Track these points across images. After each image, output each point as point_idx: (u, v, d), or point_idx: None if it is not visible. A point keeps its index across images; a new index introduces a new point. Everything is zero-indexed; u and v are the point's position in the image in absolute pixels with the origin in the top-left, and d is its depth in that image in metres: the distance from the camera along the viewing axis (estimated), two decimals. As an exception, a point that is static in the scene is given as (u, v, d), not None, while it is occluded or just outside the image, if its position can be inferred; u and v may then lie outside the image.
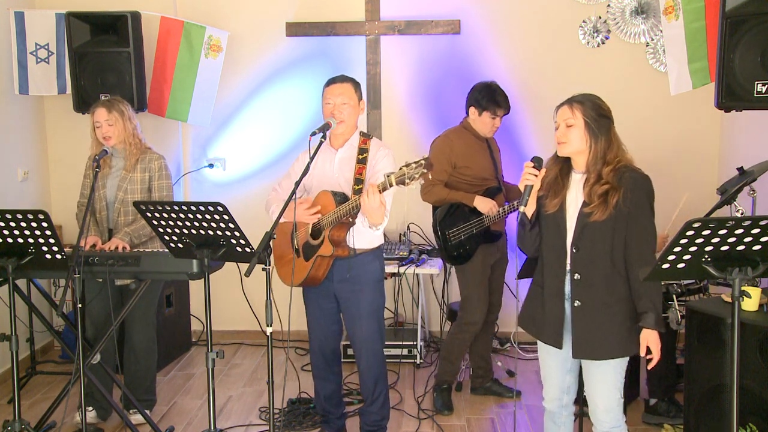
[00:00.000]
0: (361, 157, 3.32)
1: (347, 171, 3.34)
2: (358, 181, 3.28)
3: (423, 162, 2.79)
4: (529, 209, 2.70)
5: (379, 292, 3.45)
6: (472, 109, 3.99)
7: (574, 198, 2.66)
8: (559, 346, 2.71)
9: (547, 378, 2.85)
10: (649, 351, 2.59)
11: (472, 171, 3.96)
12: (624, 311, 2.61)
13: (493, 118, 3.95)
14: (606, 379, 2.66)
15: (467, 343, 4.12)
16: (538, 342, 2.82)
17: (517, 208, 2.70)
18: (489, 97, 3.92)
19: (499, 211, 3.93)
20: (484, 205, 3.91)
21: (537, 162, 2.65)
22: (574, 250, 2.63)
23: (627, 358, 2.67)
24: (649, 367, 2.66)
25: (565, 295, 2.68)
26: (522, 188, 2.66)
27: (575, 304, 2.64)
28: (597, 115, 2.60)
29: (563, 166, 2.71)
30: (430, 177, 2.84)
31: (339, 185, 3.33)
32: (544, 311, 2.74)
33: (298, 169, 3.41)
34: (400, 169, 2.85)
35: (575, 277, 2.63)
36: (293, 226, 3.35)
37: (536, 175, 2.63)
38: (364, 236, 3.28)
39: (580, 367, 2.79)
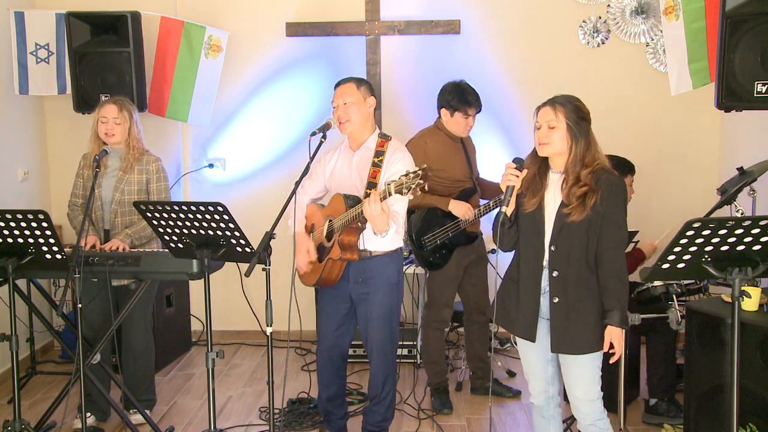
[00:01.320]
0: (377, 160, 3.30)
1: (363, 173, 3.33)
2: (371, 185, 3.26)
3: (420, 172, 2.80)
4: (509, 208, 2.75)
5: (393, 295, 3.41)
6: (443, 111, 3.95)
7: (552, 197, 2.72)
8: (532, 339, 2.77)
9: (530, 372, 2.90)
10: (611, 347, 2.67)
11: (447, 173, 3.93)
12: (597, 307, 2.68)
13: (465, 117, 3.92)
14: (584, 372, 2.73)
15: (441, 340, 4.14)
16: (517, 339, 2.87)
17: (499, 206, 2.74)
18: (459, 97, 3.89)
19: (474, 214, 3.92)
20: (459, 209, 3.88)
21: (519, 163, 2.71)
22: (552, 249, 2.69)
23: (602, 352, 2.73)
24: (610, 362, 2.73)
25: (540, 291, 2.74)
26: (504, 188, 2.71)
27: (554, 301, 2.70)
28: (577, 118, 2.66)
29: (541, 165, 2.76)
30: (426, 188, 2.85)
31: (355, 188, 3.33)
32: (519, 306, 2.79)
33: (320, 170, 3.49)
34: (399, 177, 2.86)
35: (554, 275, 2.69)
36: (311, 227, 3.37)
37: (518, 176, 2.69)
38: (376, 239, 3.25)
39: (558, 363, 2.86)
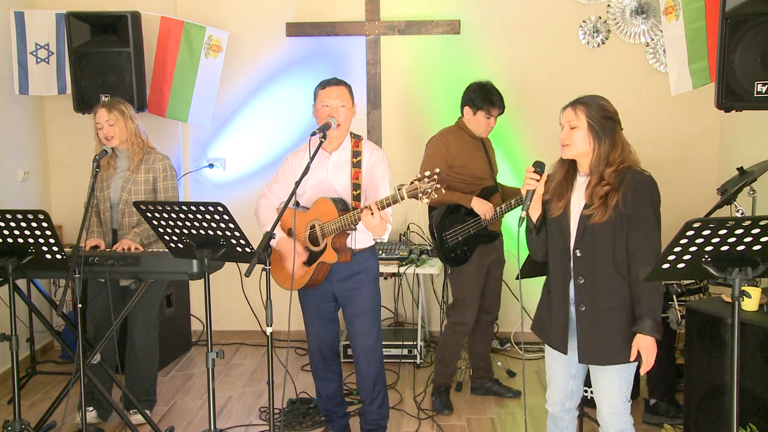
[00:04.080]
0: (355, 160, 3.31)
1: (342, 175, 3.32)
2: (356, 186, 3.27)
3: (436, 177, 2.81)
4: (534, 213, 2.68)
5: (377, 289, 3.46)
6: (466, 109, 3.97)
7: (578, 201, 2.63)
8: (564, 351, 2.69)
9: (552, 382, 2.83)
10: (640, 357, 2.55)
11: (469, 171, 3.95)
12: (627, 315, 2.57)
13: (487, 117, 3.94)
14: (612, 383, 2.64)
15: (460, 344, 4.13)
16: (546, 345, 2.81)
17: (518, 208, 2.69)
18: (484, 96, 3.91)
19: (495, 212, 3.93)
20: (481, 206, 3.89)
21: (538, 167, 2.62)
22: (577, 254, 2.61)
23: (635, 363, 2.62)
24: (642, 372, 2.60)
25: (570, 300, 2.66)
26: (524, 193, 2.62)
27: (580, 309, 2.61)
28: (601, 117, 2.56)
29: (569, 169, 2.67)
30: (443, 191, 2.84)
31: (334, 189, 3.31)
32: (551, 316, 2.72)
33: (287, 172, 3.42)
34: (412, 182, 2.86)
35: (579, 281, 2.61)
36: (289, 231, 3.34)
37: (537, 180, 2.60)
38: (363, 237, 3.28)
39: (588, 371, 2.77)
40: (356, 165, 3.30)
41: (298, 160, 3.40)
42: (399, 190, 2.90)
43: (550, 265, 2.73)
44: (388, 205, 2.98)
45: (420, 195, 2.83)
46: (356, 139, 3.38)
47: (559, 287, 2.68)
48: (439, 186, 2.81)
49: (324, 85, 3.33)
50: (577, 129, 2.58)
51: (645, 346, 2.52)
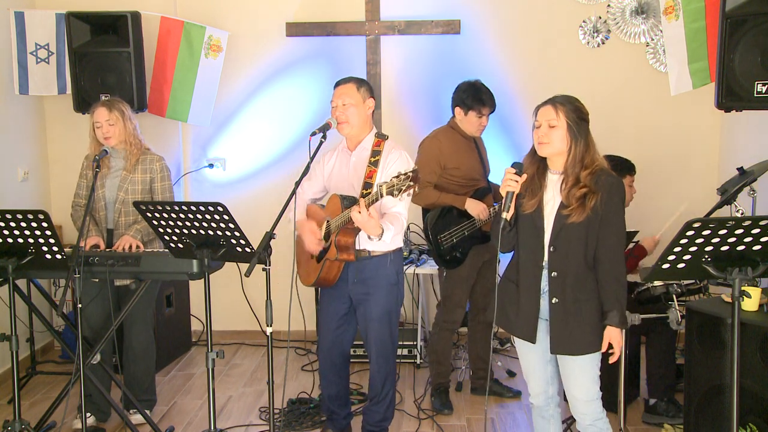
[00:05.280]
0: (373, 159, 3.30)
1: (361, 173, 3.33)
2: (368, 185, 3.26)
3: (411, 174, 2.79)
4: (509, 213, 2.74)
5: (393, 295, 3.40)
6: (457, 110, 3.95)
7: (551, 198, 2.71)
8: (533, 341, 2.77)
9: (530, 373, 2.90)
10: (610, 347, 2.68)
11: (462, 172, 3.94)
12: (595, 307, 2.68)
13: (479, 117, 3.92)
14: (584, 372, 2.73)
15: (450, 341, 4.14)
16: (516, 339, 2.87)
17: (498, 212, 2.72)
18: (474, 96, 3.89)
19: (489, 213, 3.92)
20: (475, 208, 3.89)
21: (518, 167, 2.69)
22: (551, 249, 2.69)
23: (601, 353, 2.73)
24: (610, 362, 2.73)
25: (540, 292, 2.73)
26: (503, 194, 2.69)
27: (553, 301, 2.69)
28: (577, 118, 2.65)
29: (540, 165, 2.75)
30: (416, 190, 2.85)
31: (353, 188, 3.33)
32: (519, 307, 2.78)
33: (319, 171, 3.50)
34: (391, 179, 2.85)
35: (552, 275, 2.69)
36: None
37: (517, 181, 2.67)
38: (377, 242, 3.23)
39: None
40: (373, 164, 3.29)
41: (327, 159, 3.50)
42: (380, 187, 2.90)
43: (521, 258, 2.80)
44: (372, 202, 2.97)
45: (395, 192, 2.82)
46: (379, 138, 3.37)
47: (530, 279, 2.76)
48: (412, 183, 2.78)
49: (334, 85, 3.39)
50: (556, 128, 2.65)
51: (615, 337, 2.66)
